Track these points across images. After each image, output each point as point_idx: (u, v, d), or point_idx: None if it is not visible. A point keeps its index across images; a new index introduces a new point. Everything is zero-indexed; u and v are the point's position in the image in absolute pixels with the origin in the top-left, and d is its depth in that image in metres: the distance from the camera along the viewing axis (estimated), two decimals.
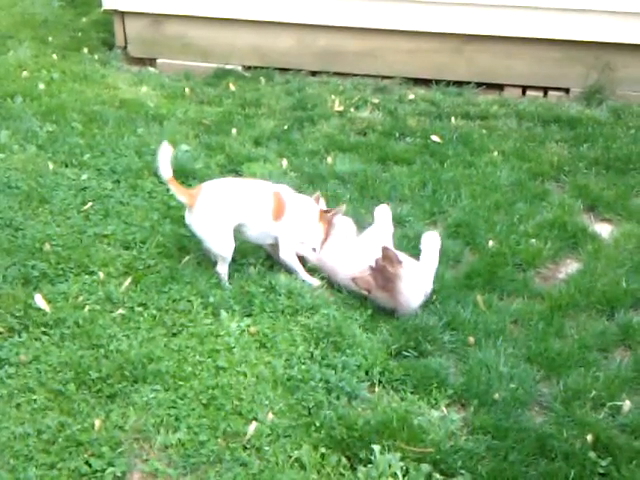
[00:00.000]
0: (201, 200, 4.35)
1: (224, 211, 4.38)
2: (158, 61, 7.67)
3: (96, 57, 7.64)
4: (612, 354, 4.06)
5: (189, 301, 4.25)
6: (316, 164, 5.81)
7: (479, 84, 7.22)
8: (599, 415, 3.65)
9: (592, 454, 3.39)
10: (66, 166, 5.56)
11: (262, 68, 7.49)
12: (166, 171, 4.33)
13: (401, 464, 3.31)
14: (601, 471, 3.33)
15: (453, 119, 6.62)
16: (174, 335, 4.03)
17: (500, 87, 7.26)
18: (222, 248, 4.40)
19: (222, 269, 4.44)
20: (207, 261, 4.57)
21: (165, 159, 4.33)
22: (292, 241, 4.55)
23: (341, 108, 6.77)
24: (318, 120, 6.55)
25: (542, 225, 5.07)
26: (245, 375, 3.79)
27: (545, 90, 7.18)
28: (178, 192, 4.38)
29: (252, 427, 3.48)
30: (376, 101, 6.93)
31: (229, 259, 4.44)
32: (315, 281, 4.51)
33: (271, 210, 4.48)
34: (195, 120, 6.47)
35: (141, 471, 3.29)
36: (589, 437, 3.47)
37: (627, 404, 3.68)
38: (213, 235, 4.38)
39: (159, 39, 7.64)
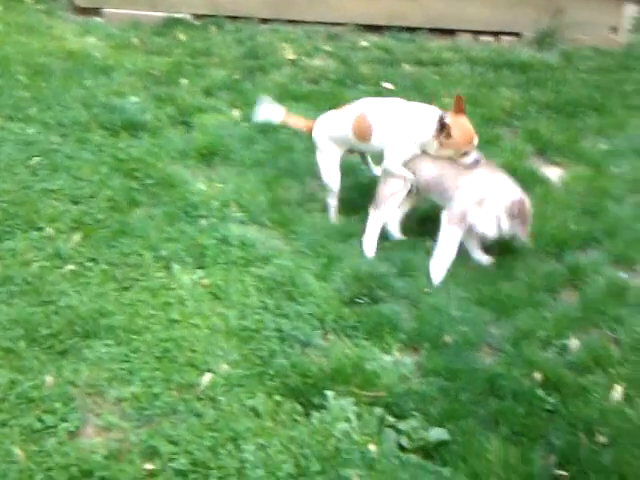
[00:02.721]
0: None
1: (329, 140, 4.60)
2: (104, 11, 7.50)
3: (41, 7, 7.45)
4: (560, 294, 4.13)
5: (140, 255, 4.21)
6: None
7: (432, 30, 7.19)
8: (547, 354, 3.72)
9: (540, 392, 3.45)
10: (11, 120, 5.43)
11: (212, 17, 7.38)
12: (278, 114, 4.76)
13: (354, 408, 3.35)
14: (549, 408, 3.40)
15: (406, 66, 6.60)
16: (125, 289, 3.99)
17: (452, 32, 7.24)
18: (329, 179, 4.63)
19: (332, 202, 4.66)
20: (159, 214, 4.54)
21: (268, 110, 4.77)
22: (398, 152, 4.37)
23: (293, 56, 6.72)
24: (270, 69, 6.50)
25: None
26: (198, 327, 3.78)
27: (497, 35, 7.17)
28: (299, 124, 4.73)
29: (206, 378, 3.48)
30: (328, 49, 6.88)
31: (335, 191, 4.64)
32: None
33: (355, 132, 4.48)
34: (144, 71, 6.37)
35: (94, 425, 3.27)
36: (537, 375, 3.54)
37: (574, 342, 3.76)
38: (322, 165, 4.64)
39: None
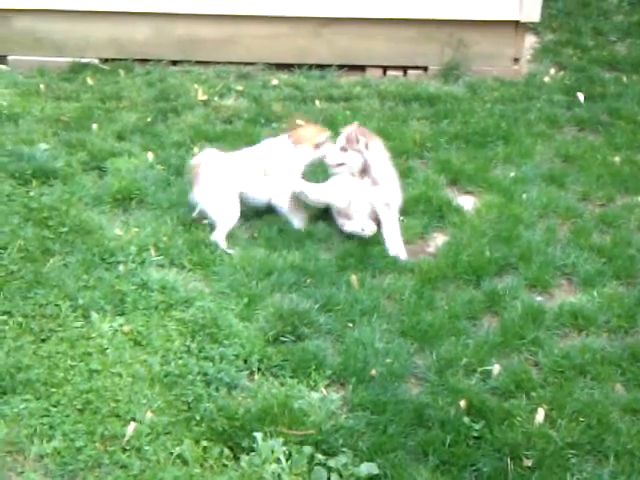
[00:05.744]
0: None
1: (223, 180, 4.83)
2: (9, 58, 7.34)
3: None
4: (480, 321, 4.20)
5: (57, 305, 4.13)
6: (183, 155, 5.73)
7: (341, 66, 7.31)
8: (471, 381, 3.77)
9: (466, 419, 3.51)
10: None
11: (120, 60, 7.30)
12: None
13: (284, 449, 3.33)
14: (475, 434, 3.45)
15: (317, 102, 6.67)
16: (43, 341, 3.91)
17: (362, 68, 7.37)
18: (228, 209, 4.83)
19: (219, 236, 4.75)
20: (74, 263, 4.45)
21: None
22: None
23: (205, 97, 6.71)
24: (182, 110, 6.47)
25: (409, 202, 5.16)
26: (120, 376, 3.72)
27: (405, 69, 7.34)
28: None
29: (130, 428, 3.42)
30: (240, 88, 6.90)
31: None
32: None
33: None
34: (53, 117, 6.25)
35: None
36: (462, 403, 3.58)
37: (496, 368, 3.82)
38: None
39: (9, 35, 7.31)
